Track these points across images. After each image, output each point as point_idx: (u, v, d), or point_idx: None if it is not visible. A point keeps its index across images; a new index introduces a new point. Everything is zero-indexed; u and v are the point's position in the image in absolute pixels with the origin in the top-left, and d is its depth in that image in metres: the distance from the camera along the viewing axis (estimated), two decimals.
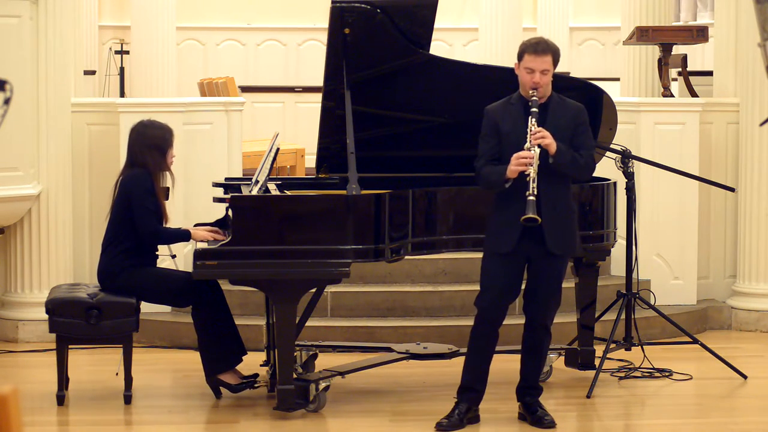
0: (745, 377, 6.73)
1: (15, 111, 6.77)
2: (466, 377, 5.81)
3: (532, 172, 5.49)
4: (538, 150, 5.53)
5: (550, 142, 5.56)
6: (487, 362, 5.80)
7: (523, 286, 5.82)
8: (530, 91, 5.64)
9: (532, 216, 5.43)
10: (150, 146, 6.28)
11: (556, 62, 5.69)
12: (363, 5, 6.15)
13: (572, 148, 5.68)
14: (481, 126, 5.76)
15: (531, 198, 5.45)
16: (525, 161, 5.51)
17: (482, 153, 5.72)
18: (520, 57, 5.70)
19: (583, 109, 5.80)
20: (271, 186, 6.51)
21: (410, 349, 6.68)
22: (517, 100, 5.74)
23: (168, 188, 6.75)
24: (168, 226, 6.38)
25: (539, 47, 5.66)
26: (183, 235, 6.33)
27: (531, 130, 5.56)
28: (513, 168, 5.54)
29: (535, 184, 5.46)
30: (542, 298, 5.75)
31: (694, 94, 8.77)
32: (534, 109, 5.60)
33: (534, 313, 5.80)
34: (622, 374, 6.77)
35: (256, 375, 6.41)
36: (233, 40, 14.81)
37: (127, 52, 13.54)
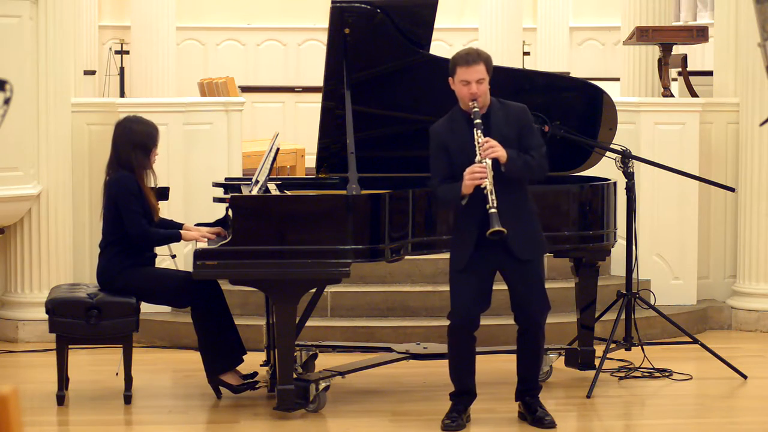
0: (745, 377, 6.73)
1: (15, 111, 6.77)
2: (457, 384, 5.82)
3: (488, 184, 5.45)
4: (489, 162, 5.48)
5: (501, 153, 5.50)
6: (472, 366, 5.79)
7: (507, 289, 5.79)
8: (470, 103, 5.59)
9: (498, 229, 5.40)
10: (134, 144, 6.25)
11: (489, 70, 5.62)
12: (363, 5, 6.15)
13: (522, 150, 5.63)
14: (429, 147, 5.70)
15: (492, 211, 5.41)
16: (478, 175, 5.47)
17: (435, 173, 5.68)
18: (452, 72, 5.63)
19: (526, 110, 5.75)
20: (271, 186, 6.51)
21: (410, 349, 6.69)
22: (459, 115, 5.68)
23: (167, 188, 6.76)
24: (161, 218, 6.38)
25: (470, 58, 5.58)
26: (173, 237, 6.31)
27: (479, 143, 5.51)
28: (467, 183, 5.49)
29: (493, 196, 5.42)
30: (527, 301, 5.71)
31: (694, 94, 8.77)
32: (477, 121, 5.54)
33: (524, 318, 5.76)
34: (622, 374, 6.77)
35: (255, 374, 6.41)
36: (233, 40, 14.82)
37: (127, 52, 13.54)
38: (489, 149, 5.49)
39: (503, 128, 5.63)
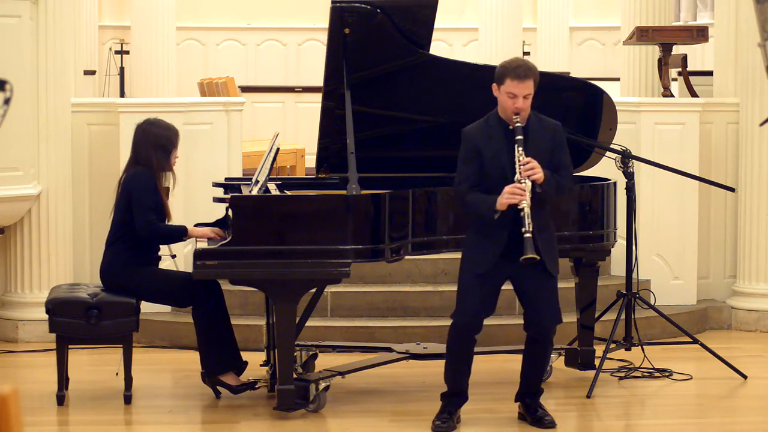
0: (745, 377, 6.73)
1: (15, 111, 6.77)
2: (451, 385, 5.79)
3: (526, 207, 5.38)
4: (529, 183, 5.43)
5: (540, 176, 5.45)
6: (468, 369, 5.76)
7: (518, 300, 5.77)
8: (513, 117, 5.52)
9: (532, 256, 5.35)
10: (155, 145, 6.28)
11: (536, 84, 5.56)
12: (363, 5, 6.15)
13: (552, 166, 5.58)
14: (460, 149, 5.63)
15: (528, 236, 5.35)
16: (518, 197, 5.40)
17: (465, 177, 5.58)
18: (500, 81, 5.54)
19: (560, 127, 5.71)
20: (271, 186, 6.51)
21: (410, 349, 6.69)
22: (496, 123, 5.60)
23: (168, 187, 6.75)
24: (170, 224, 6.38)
25: (520, 72, 5.49)
26: (179, 231, 6.31)
27: (519, 161, 5.45)
28: (504, 201, 5.43)
29: (529, 220, 5.36)
30: (543, 314, 5.67)
31: (694, 94, 8.77)
32: (519, 137, 5.48)
33: (536, 332, 5.72)
34: (622, 374, 6.77)
35: (255, 382, 6.37)
36: (233, 40, 14.82)
37: (127, 52, 13.53)
38: (530, 170, 5.43)
39: (539, 142, 5.57)
